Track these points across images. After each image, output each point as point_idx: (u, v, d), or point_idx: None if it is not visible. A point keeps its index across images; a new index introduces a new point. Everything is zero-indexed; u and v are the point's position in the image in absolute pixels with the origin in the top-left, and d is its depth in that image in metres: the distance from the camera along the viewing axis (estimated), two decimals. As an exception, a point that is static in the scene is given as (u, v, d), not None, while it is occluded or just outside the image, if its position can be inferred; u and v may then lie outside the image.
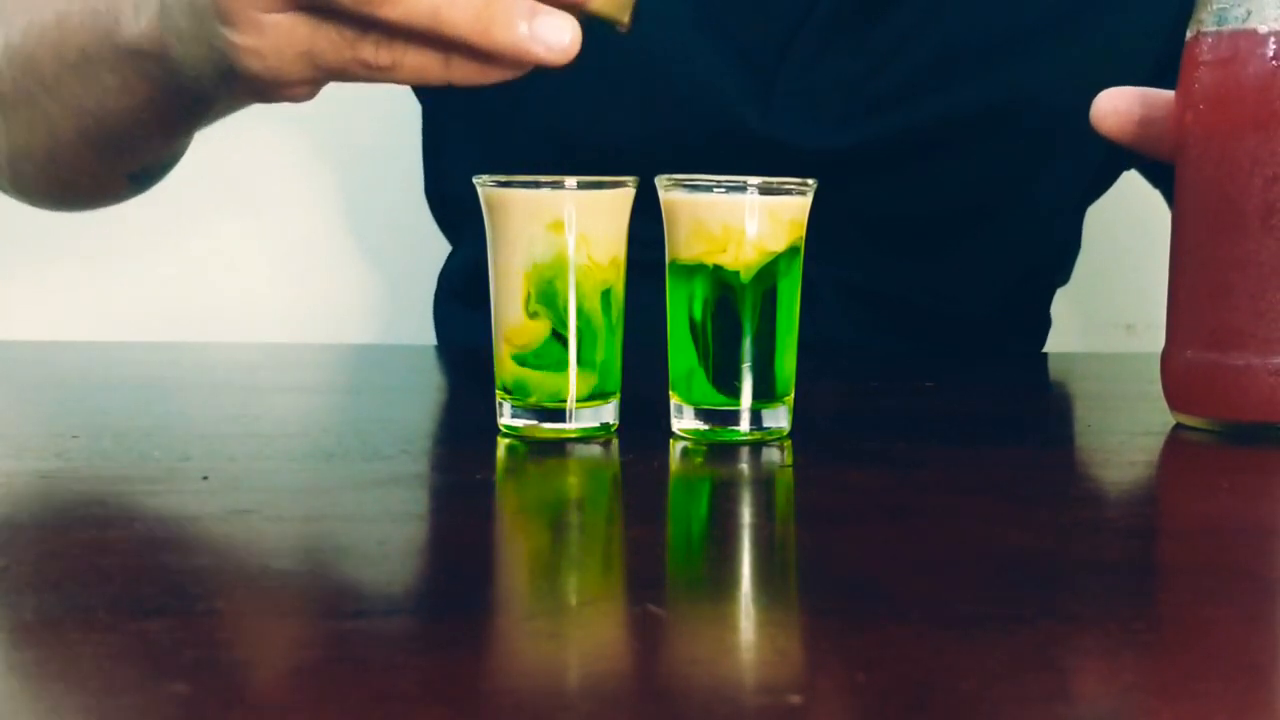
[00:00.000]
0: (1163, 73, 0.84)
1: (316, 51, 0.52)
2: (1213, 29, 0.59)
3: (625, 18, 0.54)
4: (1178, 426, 0.62)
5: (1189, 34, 0.60)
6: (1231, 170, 0.59)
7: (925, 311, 0.88)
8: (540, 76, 0.53)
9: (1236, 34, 0.58)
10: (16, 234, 1.16)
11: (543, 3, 0.52)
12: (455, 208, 0.94)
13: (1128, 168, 0.93)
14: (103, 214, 0.85)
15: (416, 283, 1.03)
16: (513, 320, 0.56)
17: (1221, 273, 0.59)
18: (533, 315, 0.56)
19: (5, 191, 0.82)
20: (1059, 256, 0.94)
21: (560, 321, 0.56)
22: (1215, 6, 0.59)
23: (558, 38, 0.51)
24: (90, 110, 0.68)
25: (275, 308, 1.20)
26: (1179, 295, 0.62)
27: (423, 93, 0.94)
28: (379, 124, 1.14)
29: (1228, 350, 0.59)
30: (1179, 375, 0.62)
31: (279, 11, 0.52)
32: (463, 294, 0.94)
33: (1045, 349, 0.99)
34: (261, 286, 1.21)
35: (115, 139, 0.71)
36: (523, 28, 0.51)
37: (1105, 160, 0.89)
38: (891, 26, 0.82)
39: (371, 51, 0.52)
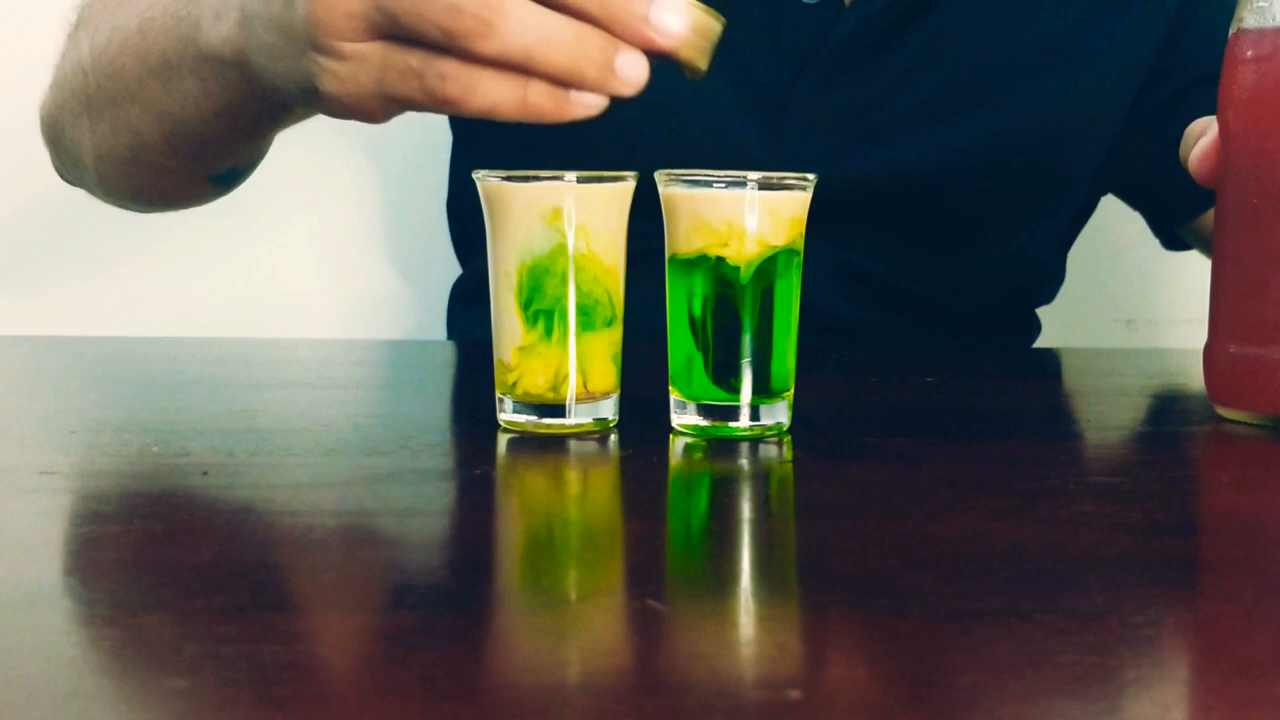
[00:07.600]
0: (1138, 103, 0.87)
1: (386, 81, 0.53)
2: (1253, 27, 0.59)
3: (704, 64, 0.54)
4: (1174, 422, 0.62)
5: (1230, 32, 0.61)
6: (1270, 166, 0.59)
7: (916, 297, 0.90)
8: None
9: (1277, 32, 0.58)
10: (19, 233, 1.16)
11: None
12: (472, 224, 0.96)
13: (1105, 193, 0.96)
14: (113, 210, 0.86)
15: (439, 286, 1.03)
16: (512, 316, 0.56)
17: (1262, 267, 0.59)
18: (531, 310, 0.56)
19: (93, 193, 0.84)
20: (1044, 282, 0.97)
21: (559, 316, 0.56)
22: (1256, 5, 0.59)
23: (638, 75, 0.52)
24: (172, 114, 0.70)
25: (284, 307, 1.20)
26: (1221, 290, 0.62)
27: (456, 122, 0.96)
28: (413, 136, 1.15)
29: (1269, 345, 0.59)
30: (1221, 370, 0.62)
31: (365, 41, 0.53)
32: (474, 298, 0.95)
33: (1045, 344, 0.99)
34: (271, 286, 1.20)
35: (196, 142, 0.72)
36: (618, 62, 0.51)
37: (1090, 187, 0.93)
38: (897, 60, 0.85)
39: (438, 84, 0.52)
